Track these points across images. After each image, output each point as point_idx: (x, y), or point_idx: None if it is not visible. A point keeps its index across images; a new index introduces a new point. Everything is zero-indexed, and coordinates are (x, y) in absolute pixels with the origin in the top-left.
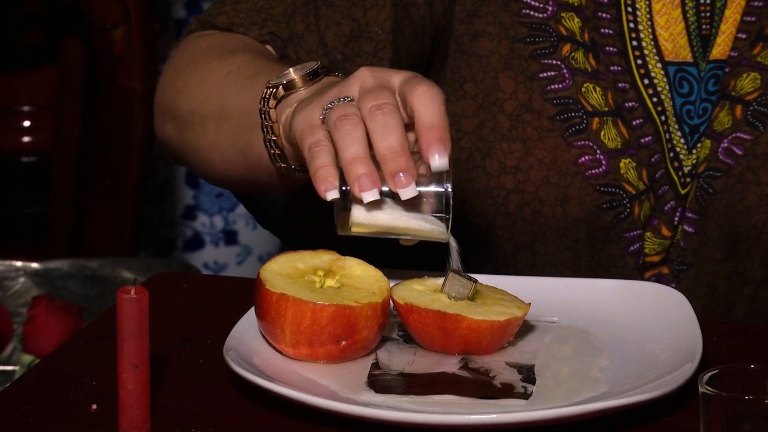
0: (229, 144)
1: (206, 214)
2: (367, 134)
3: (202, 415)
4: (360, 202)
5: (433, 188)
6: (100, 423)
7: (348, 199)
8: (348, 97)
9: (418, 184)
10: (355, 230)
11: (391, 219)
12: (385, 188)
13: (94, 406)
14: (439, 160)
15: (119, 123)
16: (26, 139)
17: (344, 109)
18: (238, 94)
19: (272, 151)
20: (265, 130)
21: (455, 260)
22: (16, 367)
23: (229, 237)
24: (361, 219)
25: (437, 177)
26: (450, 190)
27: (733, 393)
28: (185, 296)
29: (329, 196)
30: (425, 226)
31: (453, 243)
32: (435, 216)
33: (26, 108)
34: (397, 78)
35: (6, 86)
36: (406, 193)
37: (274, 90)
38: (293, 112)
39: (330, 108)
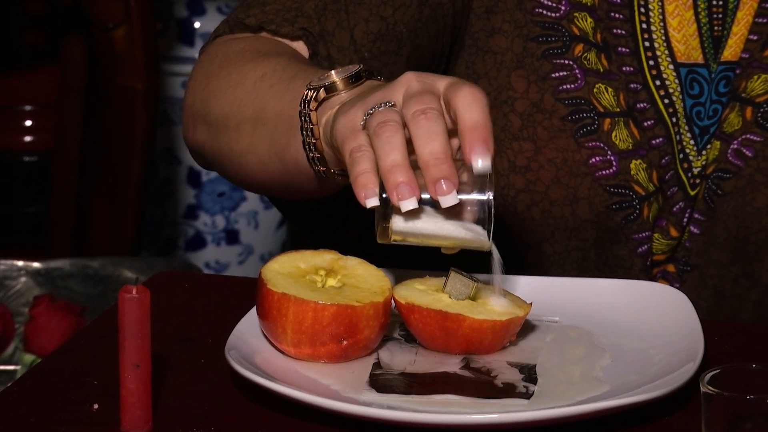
0: (265, 148)
1: (208, 213)
2: (409, 139)
3: (204, 415)
4: (399, 210)
5: (474, 196)
6: (101, 422)
7: (388, 206)
8: (390, 102)
9: (459, 191)
10: (395, 238)
11: (431, 227)
12: (426, 195)
13: (96, 406)
14: (482, 164)
15: (121, 122)
16: (27, 138)
17: (385, 115)
18: (276, 98)
19: (311, 155)
20: (304, 132)
21: (497, 269)
22: (18, 367)
23: (231, 236)
24: (401, 227)
25: (479, 185)
26: (492, 198)
27: (735, 393)
28: (187, 296)
29: (369, 203)
30: (467, 234)
31: (495, 251)
32: (476, 224)
33: (27, 107)
34: (442, 83)
35: (7, 86)
36: (447, 200)
37: (316, 92)
38: (335, 114)
39: (371, 113)
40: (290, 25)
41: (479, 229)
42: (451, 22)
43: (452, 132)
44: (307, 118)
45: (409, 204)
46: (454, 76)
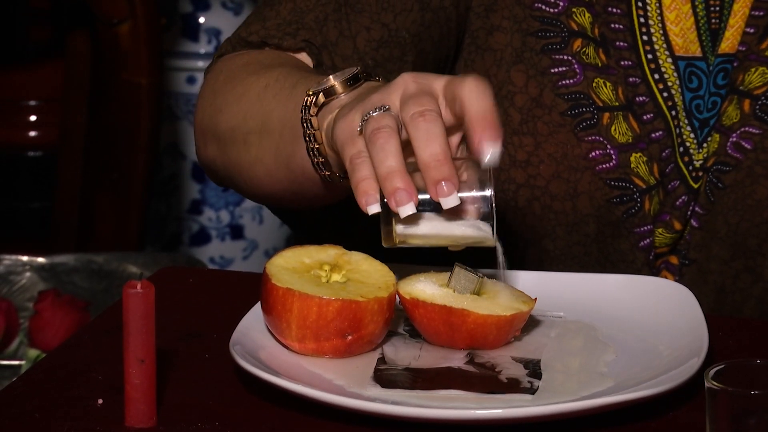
0: (272, 157)
1: (212, 208)
2: (408, 142)
3: (208, 410)
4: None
5: (476, 194)
6: (106, 417)
7: (390, 211)
8: (385, 106)
9: (460, 190)
10: (400, 242)
11: (435, 228)
12: (427, 196)
13: (101, 401)
14: (491, 155)
15: (125, 118)
16: (32, 133)
17: (379, 121)
18: (279, 106)
19: (316, 160)
20: (307, 138)
21: (501, 265)
22: (23, 362)
23: (235, 231)
24: (405, 231)
25: (480, 182)
26: (492, 195)
27: (739, 388)
28: (191, 291)
29: (371, 210)
30: (470, 232)
31: (500, 247)
32: (479, 221)
33: (32, 102)
34: (439, 83)
35: (12, 81)
36: (449, 201)
37: (315, 97)
38: (335, 118)
39: (366, 119)
40: (292, 38)
41: (483, 225)
42: (455, 25)
43: (450, 130)
44: (309, 124)
45: (407, 209)
46: (451, 75)
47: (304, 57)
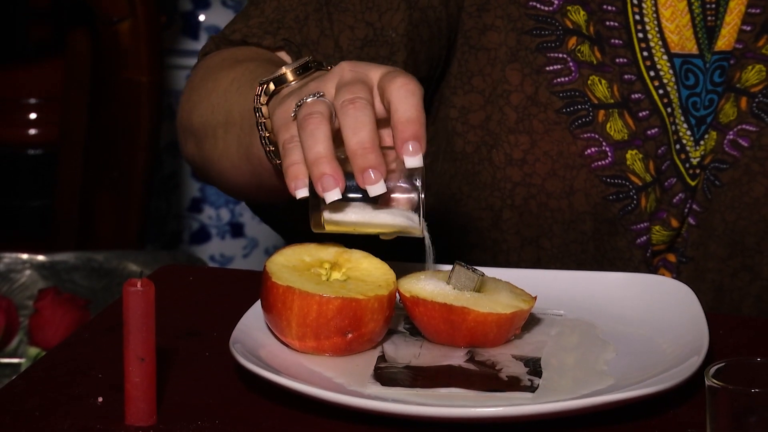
0: (235, 150)
1: (213, 206)
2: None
3: (208, 408)
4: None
5: (403, 184)
6: (106, 415)
7: (319, 197)
8: (320, 93)
9: (388, 179)
10: (329, 228)
11: (363, 216)
12: (355, 184)
13: (101, 399)
14: (413, 158)
15: (126, 116)
16: (33, 131)
17: (311, 107)
18: (241, 99)
19: (267, 148)
20: (259, 127)
21: (429, 256)
22: (23, 360)
23: (236, 230)
24: (333, 216)
25: (408, 172)
26: (420, 184)
27: (739, 386)
28: (191, 289)
29: (299, 194)
30: (398, 221)
31: (428, 238)
32: (408, 210)
33: (33, 101)
34: (376, 73)
35: (13, 79)
36: (375, 189)
37: (266, 86)
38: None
39: (300, 105)
40: (272, 37)
41: (412, 215)
42: (446, 25)
43: (385, 121)
44: (260, 113)
45: (333, 195)
46: (390, 66)
47: (284, 56)
